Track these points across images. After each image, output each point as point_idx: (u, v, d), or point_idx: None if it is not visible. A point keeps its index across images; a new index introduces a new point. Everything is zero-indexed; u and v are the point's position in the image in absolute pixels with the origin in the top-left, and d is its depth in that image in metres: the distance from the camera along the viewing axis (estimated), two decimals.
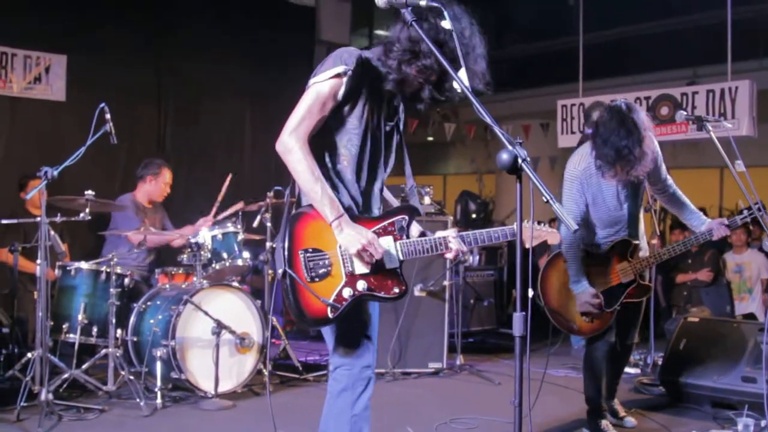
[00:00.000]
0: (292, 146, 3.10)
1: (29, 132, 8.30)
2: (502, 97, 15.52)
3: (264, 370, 6.17)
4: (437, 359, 7.05)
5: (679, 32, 13.33)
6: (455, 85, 3.12)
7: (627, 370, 7.10)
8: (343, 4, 12.01)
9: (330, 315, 3.08)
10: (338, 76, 3.13)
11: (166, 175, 7.09)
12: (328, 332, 3.33)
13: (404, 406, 5.95)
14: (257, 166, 10.31)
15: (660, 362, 6.49)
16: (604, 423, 5.06)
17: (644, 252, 5.16)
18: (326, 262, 3.12)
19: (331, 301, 3.08)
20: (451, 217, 7.19)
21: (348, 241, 3.09)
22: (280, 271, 3.08)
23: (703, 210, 11.35)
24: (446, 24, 2.98)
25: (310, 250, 3.11)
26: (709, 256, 9.06)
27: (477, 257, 8.96)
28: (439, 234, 3.36)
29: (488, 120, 2.82)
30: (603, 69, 12.70)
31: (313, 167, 3.11)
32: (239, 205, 6.92)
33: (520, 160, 2.68)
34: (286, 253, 3.07)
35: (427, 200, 7.07)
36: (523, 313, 2.74)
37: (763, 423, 5.00)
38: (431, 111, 15.96)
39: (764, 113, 9.86)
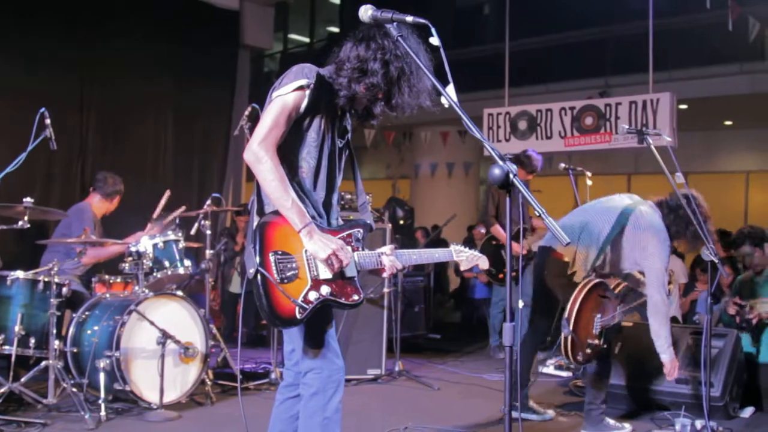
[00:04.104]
0: (262, 156, 3.17)
1: None
2: None
3: (207, 380, 6.13)
4: (376, 366, 7.10)
5: (591, 43, 13.78)
6: (407, 99, 3.33)
7: (560, 373, 7.33)
8: (267, 8, 11.97)
9: (298, 316, 3.17)
10: (301, 88, 3.26)
11: None
12: (295, 337, 3.43)
13: (351, 414, 5.94)
14: (181, 173, 10.20)
15: None
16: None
17: None
18: (294, 265, 3.21)
19: (299, 301, 3.17)
20: (390, 225, 7.24)
21: (318, 247, 3.21)
22: (252, 270, 3.15)
23: None
24: (434, 41, 3.05)
25: (280, 252, 3.20)
26: None
27: None
28: (379, 250, 3.52)
29: (478, 135, 2.92)
30: (518, 78, 13.00)
31: (283, 176, 3.20)
32: (181, 210, 6.77)
33: (511, 176, 2.77)
34: (257, 255, 3.14)
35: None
36: (513, 323, 2.83)
37: (698, 424, 5.23)
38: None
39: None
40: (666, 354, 5.15)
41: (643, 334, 6.34)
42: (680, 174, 5.09)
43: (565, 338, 4.98)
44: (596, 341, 5.13)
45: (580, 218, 5.42)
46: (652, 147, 5.21)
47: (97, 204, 6.81)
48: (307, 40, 20.41)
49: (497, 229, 7.84)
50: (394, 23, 3.10)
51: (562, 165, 7.56)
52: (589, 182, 7.63)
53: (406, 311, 8.73)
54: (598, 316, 5.13)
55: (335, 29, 19.78)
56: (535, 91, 13.52)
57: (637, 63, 10.89)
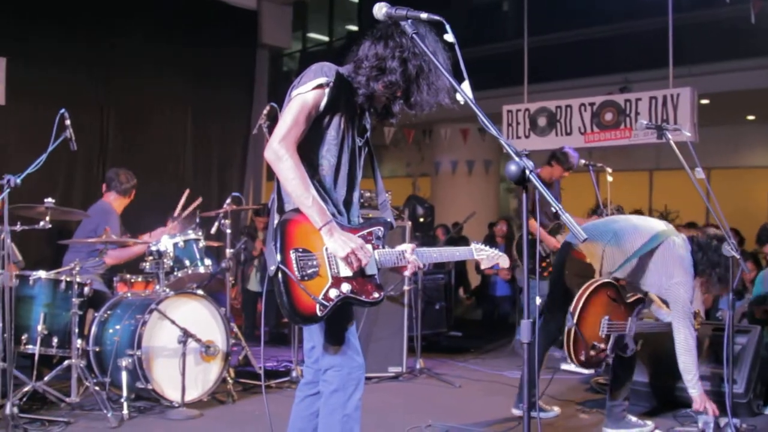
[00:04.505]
0: (282, 154, 3.18)
1: None
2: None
3: (229, 378, 6.17)
4: (397, 363, 7.11)
5: (610, 38, 13.68)
6: (426, 97, 3.33)
7: (581, 370, 7.27)
8: (285, 8, 12.00)
9: (318, 313, 3.18)
10: (320, 86, 3.26)
11: None
12: (316, 334, 3.44)
13: (372, 412, 5.95)
14: (200, 172, 10.25)
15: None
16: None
17: None
18: (314, 262, 3.22)
19: (320, 298, 3.17)
20: (410, 223, 7.24)
21: (338, 246, 3.21)
22: (272, 268, 3.15)
23: (638, 212, 11.71)
24: (449, 37, 3.05)
25: (300, 250, 3.20)
26: None
27: None
28: (400, 248, 3.51)
29: (493, 132, 2.90)
30: (537, 74, 12.94)
31: (304, 175, 3.20)
32: (197, 202, 6.78)
33: (527, 172, 2.75)
34: (278, 252, 3.15)
35: None
36: (531, 320, 2.82)
37: (721, 421, 5.18)
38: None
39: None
40: (695, 389, 5.11)
41: (665, 333, 6.32)
42: (700, 169, 5.05)
43: (569, 331, 4.88)
44: (602, 344, 5.01)
45: (612, 226, 5.40)
46: (672, 142, 5.18)
47: (115, 202, 6.84)
48: (326, 38, 20.42)
49: (533, 224, 7.75)
50: (410, 20, 3.10)
51: (583, 161, 7.54)
52: (609, 178, 7.60)
53: (427, 309, 8.71)
54: (606, 317, 5.04)
55: (354, 28, 19.78)
56: (554, 87, 13.45)
57: (657, 58, 10.81)
